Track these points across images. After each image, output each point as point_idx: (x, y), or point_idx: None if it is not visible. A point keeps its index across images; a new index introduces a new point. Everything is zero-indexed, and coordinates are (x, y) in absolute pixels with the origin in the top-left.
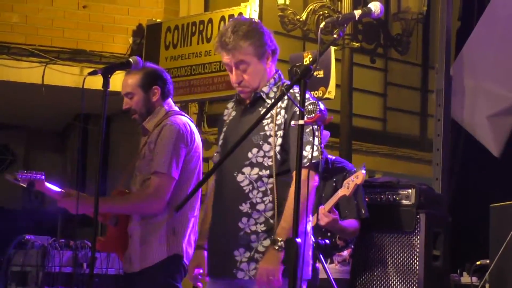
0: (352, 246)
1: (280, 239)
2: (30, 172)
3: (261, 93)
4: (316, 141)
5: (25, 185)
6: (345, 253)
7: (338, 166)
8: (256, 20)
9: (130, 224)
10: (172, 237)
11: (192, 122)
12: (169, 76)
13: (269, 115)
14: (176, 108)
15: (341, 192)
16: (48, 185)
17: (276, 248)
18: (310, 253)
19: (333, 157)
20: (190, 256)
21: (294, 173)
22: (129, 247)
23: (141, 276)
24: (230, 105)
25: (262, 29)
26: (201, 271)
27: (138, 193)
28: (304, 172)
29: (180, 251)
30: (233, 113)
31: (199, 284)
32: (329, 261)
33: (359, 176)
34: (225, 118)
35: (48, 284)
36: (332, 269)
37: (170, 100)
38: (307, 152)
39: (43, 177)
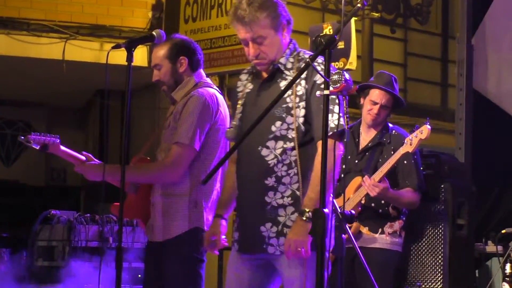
0: (404, 218)
1: (307, 210)
2: (44, 134)
3: (279, 65)
4: (337, 109)
5: (38, 147)
6: (396, 225)
7: (396, 133)
8: None
9: (153, 194)
10: (194, 210)
11: (221, 94)
12: (199, 47)
13: (286, 84)
14: (208, 80)
15: (403, 150)
16: (63, 148)
17: (304, 219)
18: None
19: (392, 125)
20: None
21: (318, 143)
22: (152, 217)
23: (165, 247)
24: (244, 77)
25: (275, 0)
26: (215, 238)
27: (157, 162)
28: (329, 141)
29: (202, 224)
30: (250, 86)
31: (216, 251)
32: (380, 231)
33: (424, 130)
34: (239, 90)
35: (74, 258)
36: (383, 239)
37: (201, 71)
38: (330, 121)
39: (58, 140)
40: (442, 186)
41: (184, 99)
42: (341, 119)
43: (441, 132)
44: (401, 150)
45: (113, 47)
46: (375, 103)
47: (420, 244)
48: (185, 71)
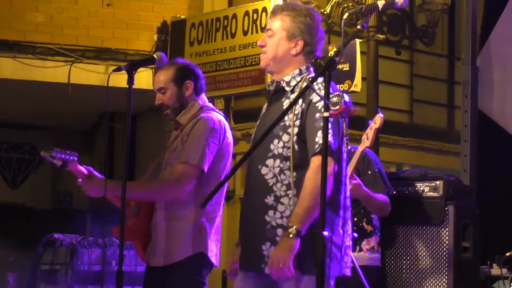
0: (379, 234)
1: (292, 226)
2: (64, 151)
3: (282, 83)
4: (332, 128)
5: (59, 164)
6: (373, 240)
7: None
8: (316, 12)
9: (155, 218)
10: (199, 235)
11: (226, 119)
12: (201, 72)
13: (288, 104)
14: (210, 105)
15: (361, 147)
16: (80, 167)
17: (290, 236)
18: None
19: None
20: (213, 254)
21: (311, 159)
22: (154, 240)
23: (167, 272)
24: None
25: (312, 18)
26: (237, 266)
27: (161, 179)
28: (317, 158)
29: (205, 250)
30: (265, 104)
31: (234, 277)
32: (357, 249)
33: (377, 120)
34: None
35: (77, 282)
36: (362, 257)
37: (203, 96)
38: (318, 137)
39: (76, 158)
40: (446, 208)
41: (192, 121)
42: (332, 137)
43: (448, 154)
44: (360, 148)
45: (114, 70)
46: None
47: (424, 266)
48: (190, 95)
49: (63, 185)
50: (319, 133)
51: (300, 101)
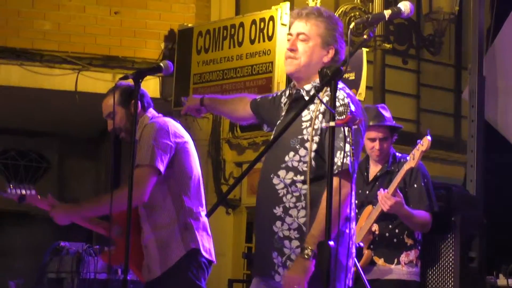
0: (419, 247)
1: (308, 247)
2: (20, 186)
3: (302, 91)
4: (347, 147)
5: (16, 199)
6: (412, 254)
7: (404, 160)
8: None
9: (143, 235)
10: (185, 232)
11: (177, 122)
12: (145, 90)
13: (308, 117)
14: (161, 115)
15: (406, 166)
16: (40, 198)
17: (305, 256)
18: (350, 262)
19: (400, 154)
20: (206, 248)
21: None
22: (146, 257)
23: (162, 279)
24: (287, 92)
25: (342, 27)
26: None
27: (119, 188)
28: (335, 179)
29: (197, 245)
30: (284, 108)
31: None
32: (395, 261)
33: (425, 143)
34: (281, 109)
35: None
36: (399, 270)
37: (152, 110)
38: (337, 158)
39: (34, 191)
40: (453, 218)
41: (140, 133)
42: (348, 157)
43: (454, 164)
44: (405, 167)
45: (121, 78)
46: (374, 140)
47: (430, 277)
48: (139, 113)
49: (70, 192)
50: (339, 154)
51: (321, 116)
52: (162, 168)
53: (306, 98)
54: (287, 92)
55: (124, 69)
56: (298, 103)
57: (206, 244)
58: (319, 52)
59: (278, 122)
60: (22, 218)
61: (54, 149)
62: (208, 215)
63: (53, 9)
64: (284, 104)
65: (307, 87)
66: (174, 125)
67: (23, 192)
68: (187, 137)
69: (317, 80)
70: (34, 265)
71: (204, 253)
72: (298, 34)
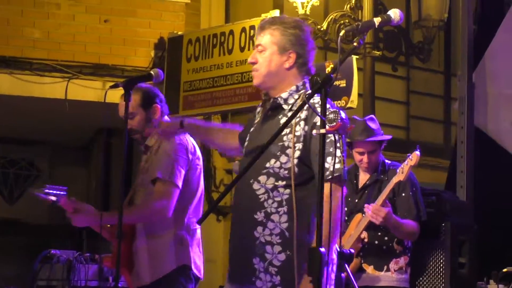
0: (409, 254)
1: None
2: (55, 187)
3: (279, 100)
4: (338, 152)
5: (53, 200)
6: (402, 261)
7: (394, 169)
8: (304, 23)
9: (135, 241)
10: (180, 247)
11: (192, 137)
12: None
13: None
14: None
15: (395, 179)
16: (69, 201)
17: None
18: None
19: (389, 161)
20: (198, 266)
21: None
22: (136, 263)
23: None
24: (258, 109)
25: (301, 29)
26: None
27: (143, 202)
28: (326, 185)
29: (189, 262)
30: (258, 119)
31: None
32: (385, 268)
33: (413, 157)
34: (255, 118)
35: None
36: (388, 277)
37: (166, 117)
38: (328, 164)
39: (66, 193)
40: (443, 224)
41: (158, 141)
42: (340, 163)
43: (444, 170)
44: (394, 180)
45: (111, 87)
46: (362, 153)
47: (421, 283)
48: (158, 118)
49: None
50: (329, 159)
51: (302, 123)
52: (180, 184)
53: (284, 106)
54: (258, 108)
55: (114, 77)
56: (276, 112)
57: (198, 262)
58: (277, 59)
59: (251, 130)
60: (12, 226)
61: (44, 157)
62: (200, 222)
63: (42, 17)
64: (258, 112)
65: (284, 95)
66: (190, 140)
67: (59, 193)
68: (198, 152)
69: (293, 88)
70: (24, 273)
71: (194, 270)
72: (257, 46)
